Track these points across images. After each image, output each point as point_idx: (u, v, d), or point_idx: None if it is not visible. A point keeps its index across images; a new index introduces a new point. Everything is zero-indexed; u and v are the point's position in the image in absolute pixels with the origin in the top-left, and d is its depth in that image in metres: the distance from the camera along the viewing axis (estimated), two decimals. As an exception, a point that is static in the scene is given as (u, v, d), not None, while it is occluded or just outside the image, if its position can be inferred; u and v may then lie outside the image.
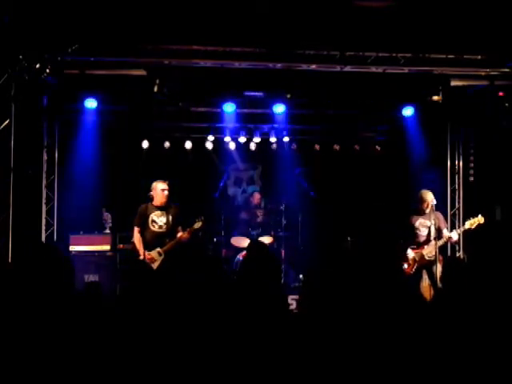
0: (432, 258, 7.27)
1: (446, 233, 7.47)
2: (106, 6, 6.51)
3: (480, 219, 7.36)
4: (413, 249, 7.44)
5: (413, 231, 7.46)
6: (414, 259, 7.39)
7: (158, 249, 6.98)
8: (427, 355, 2.82)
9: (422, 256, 7.37)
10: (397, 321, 2.99)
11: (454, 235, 7.49)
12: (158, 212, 7.06)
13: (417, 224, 7.44)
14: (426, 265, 7.40)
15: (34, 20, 6.57)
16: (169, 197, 7.10)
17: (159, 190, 7.08)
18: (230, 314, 3.11)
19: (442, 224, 7.53)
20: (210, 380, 2.72)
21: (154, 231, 7.03)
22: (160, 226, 7.04)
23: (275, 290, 3.49)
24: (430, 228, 7.36)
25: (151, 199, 7.07)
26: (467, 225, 7.43)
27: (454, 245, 8.96)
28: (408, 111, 9.27)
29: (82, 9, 6.51)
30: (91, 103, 8.72)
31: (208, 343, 2.85)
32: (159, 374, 2.75)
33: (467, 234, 7.95)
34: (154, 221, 7.05)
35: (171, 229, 7.05)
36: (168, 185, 7.12)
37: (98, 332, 2.79)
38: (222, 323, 3.01)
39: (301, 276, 8.76)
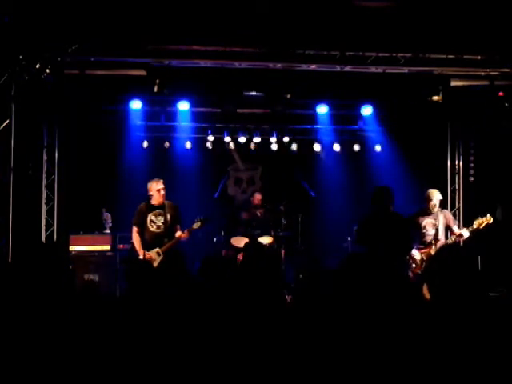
0: None
1: (456, 230, 7.44)
2: (105, 6, 6.52)
3: (488, 219, 7.34)
4: (420, 249, 7.40)
5: (419, 231, 7.43)
6: (421, 259, 7.34)
7: (157, 249, 6.97)
8: (427, 355, 2.82)
9: (431, 255, 7.34)
10: (397, 320, 2.99)
11: (465, 233, 7.43)
12: (156, 212, 7.05)
13: (423, 224, 7.42)
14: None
15: (34, 20, 6.58)
16: (165, 196, 7.09)
17: (155, 190, 7.05)
18: (229, 313, 3.11)
19: (451, 222, 7.51)
20: (208, 377, 2.72)
21: (152, 231, 7.01)
22: (158, 226, 7.03)
23: (274, 289, 3.49)
24: (437, 227, 7.34)
25: (150, 199, 7.06)
26: (475, 224, 7.40)
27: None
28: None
29: (81, 9, 6.52)
30: (91, 103, 8.71)
31: (207, 342, 2.85)
32: (159, 372, 2.75)
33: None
34: (152, 221, 7.04)
35: (169, 228, 7.03)
36: (163, 183, 7.10)
37: (97, 331, 2.79)
38: (221, 322, 3.01)
39: (301, 276, 8.75)
